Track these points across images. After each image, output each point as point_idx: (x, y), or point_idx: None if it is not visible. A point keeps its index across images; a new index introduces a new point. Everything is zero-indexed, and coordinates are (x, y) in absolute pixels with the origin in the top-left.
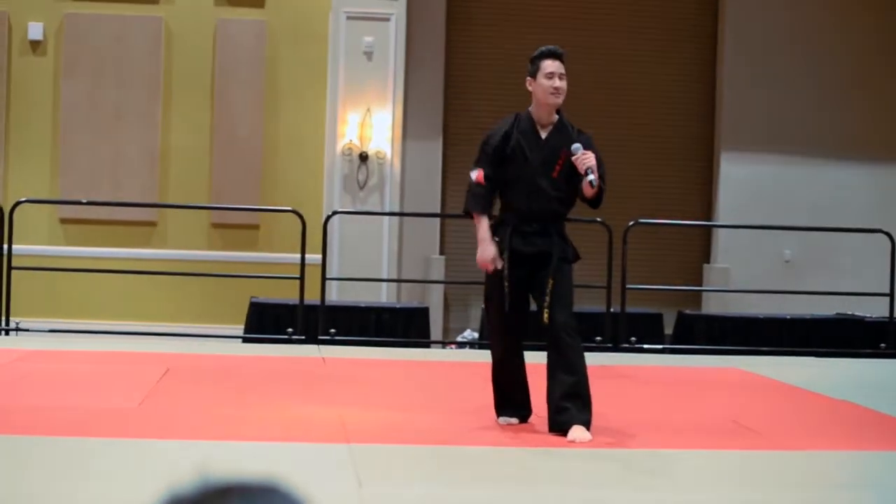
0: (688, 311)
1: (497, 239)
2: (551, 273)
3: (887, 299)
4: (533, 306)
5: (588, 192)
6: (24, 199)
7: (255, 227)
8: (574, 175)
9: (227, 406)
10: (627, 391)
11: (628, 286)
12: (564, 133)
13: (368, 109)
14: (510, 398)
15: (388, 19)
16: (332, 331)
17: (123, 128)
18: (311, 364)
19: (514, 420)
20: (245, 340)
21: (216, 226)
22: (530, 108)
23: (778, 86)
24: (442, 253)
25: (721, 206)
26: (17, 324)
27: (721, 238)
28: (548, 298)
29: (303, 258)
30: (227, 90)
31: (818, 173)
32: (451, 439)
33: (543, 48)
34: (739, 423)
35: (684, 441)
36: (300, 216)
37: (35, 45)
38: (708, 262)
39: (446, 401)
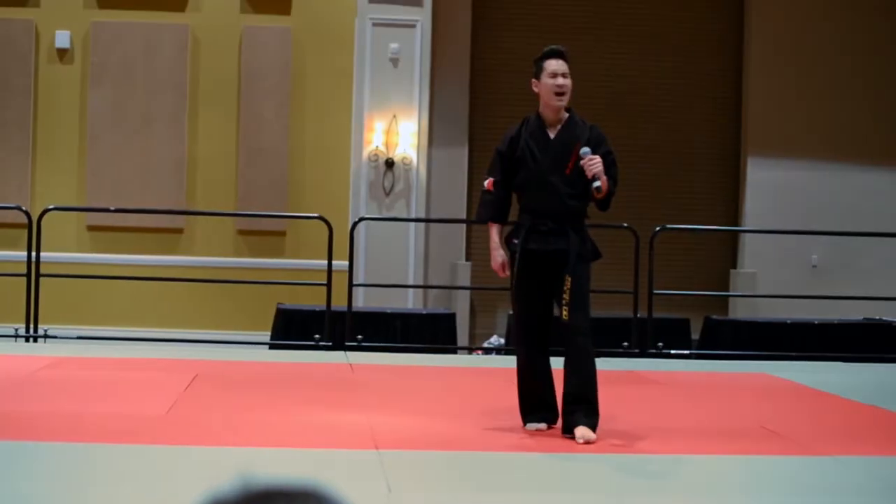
0: (715, 317)
1: (515, 241)
2: (568, 271)
3: None
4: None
5: (595, 193)
6: (51, 206)
7: (282, 233)
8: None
9: (255, 412)
10: (655, 397)
11: (655, 291)
12: (575, 129)
13: (394, 116)
14: (535, 403)
15: (413, 26)
16: (359, 337)
17: (150, 135)
18: (339, 370)
19: (542, 425)
20: (272, 347)
21: (243, 232)
22: (539, 110)
23: (804, 90)
24: (468, 259)
25: (748, 211)
26: (46, 331)
27: (748, 243)
28: (566, 297)
29: (329, 264)
30: (253, 97)
31: (845, 178)
32: (478, 445)
33: (546, 49)
34: (768, 428)
35: (712, 446)
36: (327, 223)
37: (62, 53)
38: (735, 267)
39: (474, 407)
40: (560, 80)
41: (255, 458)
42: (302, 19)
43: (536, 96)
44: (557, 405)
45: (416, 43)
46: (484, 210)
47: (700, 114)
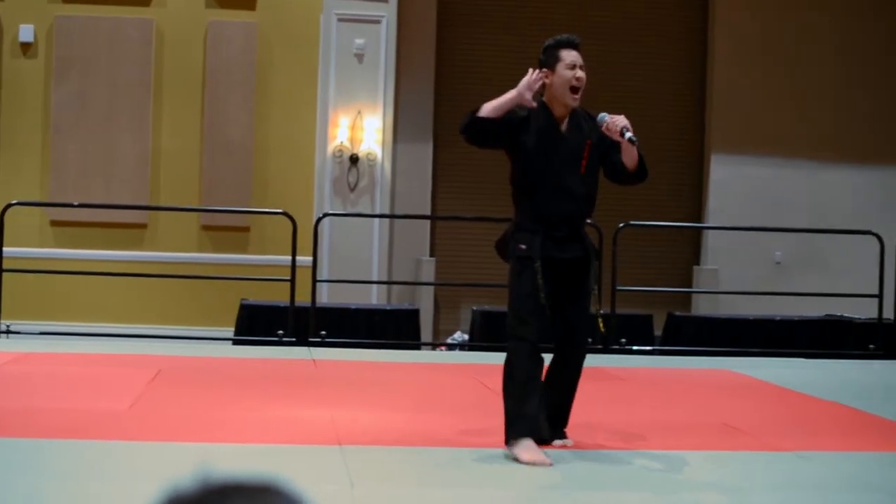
0: (678, 313)
1: (524, 247)
2: (594, 281)
3: (876, 301)
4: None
5: (631, 157)
6: (14, 201)
7: (246, 229)
8: (603, 163)
9: (218, 408)
10: (617, 393)
11: (618, 288)
12: (583, 122)
13: (359, 112)
14: (535, 416)
15: (378, 21)
16: (323, 333)
17: (114, 130)
18: (302, 366)
19: (540, 452)
20: (236, 342)
21: (207, 228)
22: (544, 100)
23: (768, 88)
24: (432, 255)
25: (711, 208)
26: (8, 326)
27: (711, 240)
28: (598, 308)
29: (293, 260)
30: (218, 92)
31: (807, 175)
32: (442, 440)
33: (560, 37)
34: (729, 424)
35: (674, 442)
36: (291, 218)
37: (26, 47)
38: (698, 263)
39: (437, 402)
40: (579, 73)
41: (216, 454)
42: (267, 14)
43: (540, 87)
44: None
45: (382, 39)
46: (471, 121)
47: (664, 111)
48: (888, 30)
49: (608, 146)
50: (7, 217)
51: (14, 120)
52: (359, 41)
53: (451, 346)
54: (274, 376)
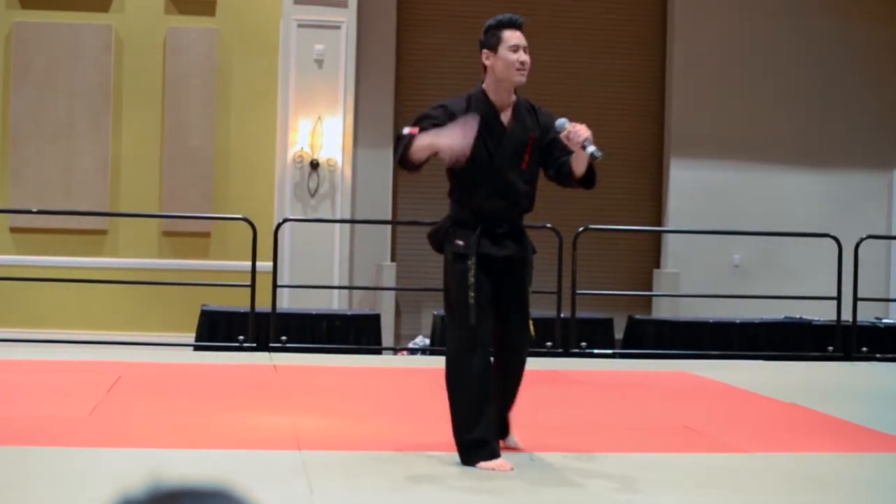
0: (638, 316)
1: (460, 243)
2: (529, 282)
3: (834, 303)
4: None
5: (582, 166)
6: None
7: (207, 235)
8: (544, 160)
9: (178, 414)
10: (578, 396)
11: (578, 291)
12: (526, 114)
13: (319, 117)
14: (490, 421)
15: (338, 27)
16: (284, 338)
17: (74, 136)
18: (263, 372)
19: (502, 462)
20: (196, 348)
21: (167, 234)
22: (484, 87)
23: (727, 93)
24: (393, 260)
25: (671, 211)
26: None
27: (671, 243)
28: (528, 309)
29: (254, 266)
30: (177, 98)
31: (767, 179)
32: (403, 446)
33: (503, 16)
34: (689, 427)
35: (634, 445)
36: (251, 224)
37: None
38: (658, 267)
39: (398, 407)
40: (523, 56)
41: (175, 460)
42: (227, 21)
43: (483, 70)
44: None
45: (341, 44)
46: (405, 146)
47: (623, 114)
48: (844, 36)
49: (551, 142)
50: None
51: None
52: (319, 47)
53: (412, 351)
54: (234, 382)
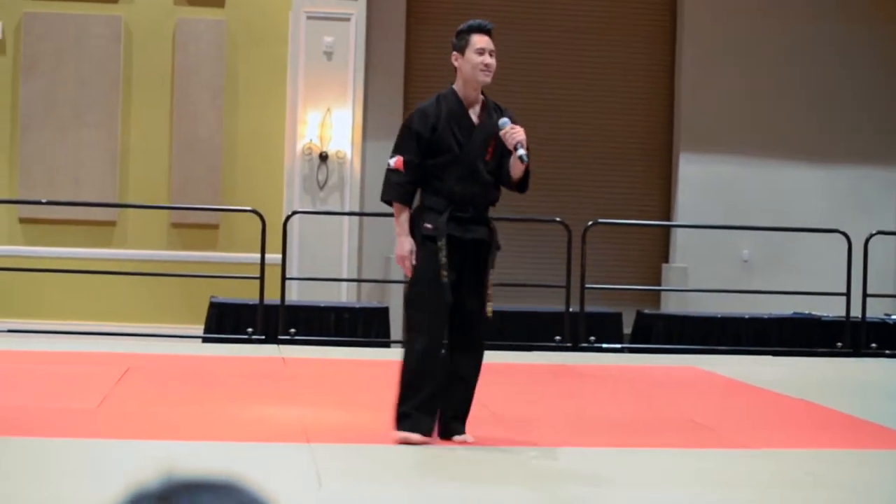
0: (647, 311)
1: (429, 226)
2: (491, 265)
3: (843, 299)
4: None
5: (517, 170)
6: None
7: (215, 226)
8: (505, 158)
9: (187, 406)
10: (586, 390)
11: (587, 286)
12: (493, 113)
13: (328, 109)
14: (428, 400)
15: (348, 19)
16: (292, 331)
17: (83, 127)
18: (272, 364)
19: (424, 438)
20: (205, 340)
21: (176, 225)
22: (454, 87)
23: (736, 87)
24: None
25: (680, 206)
26: None
27: (680, 238)
28: (490, 291)
29: (262, 258)
30: (186, 89)
31: (776, 174)
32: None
33: (472, 21)
34: (697, 422)
35: (641, 439)
36: (260, 216)
37: None
38: (667, 261)
39: None
40: (487, 59)
41: (184, 452)
42: (236, 12)
43: (454, 71)
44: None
45: (351, 36)
46: (392, 191)
47: (632, 108)
48: (852, 32)
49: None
50: None
51: None
52: (328, 39)
53: None
54: (243, 374)
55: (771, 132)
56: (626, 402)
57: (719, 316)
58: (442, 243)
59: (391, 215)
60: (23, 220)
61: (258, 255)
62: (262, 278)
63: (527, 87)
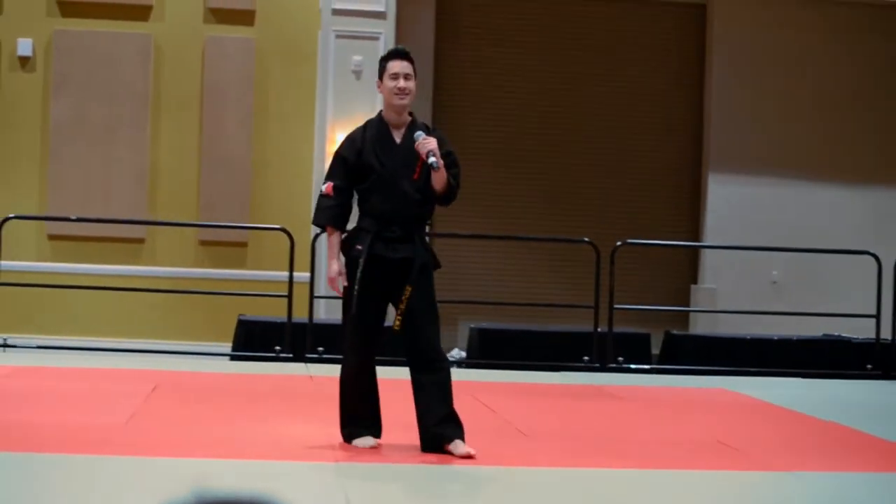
0: (675, 332)
1: (359, 247)
2: (410, 281)
3: (874, 321)
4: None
5: (438, 182)
6: (12, 215)
7: (244, 244)
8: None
9: (214, 423)
10: (614, 411)
11: (616, 306)
12: (422, 132)
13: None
14: (366, 416)
15: (377, 38)
16: (320, 349)
17: (112, 144)
18: (299, 382)
19: (374, 441)
20: (233, 358)
21: (204, 243)
22: (381, 112)
23: (765, 108)
24: None
25: (708, 227)
26: (5, 340)
27: (708, 259)
28: (402, 306)
29: (291, 276)
30: (216, 107)
31: (805, 195)
32: (438, 458)
33: (391, 49)
34: (725, 444)
35: (670, 461)
36: (289, 234)
37: (24, 61)
38: (695, 282)
39: None
40: (402, 83)
41: (212, 470)
42: (266, 30)
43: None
44: (381, 418)
45: (380, 55)
46: (322, 214)
47: (662, 129)
48: (886, 49)
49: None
50: (5, 230)
51: (12, 134)
52: (357, 58)
53: None
54: (271, 392)
55: (800, 153)
56: (655, 423)
57: (748, 337)
58: (363, 259)
59: None
60: (52, 237)
61: (286, 274)
62: (290, 296)
63: (556, 107)
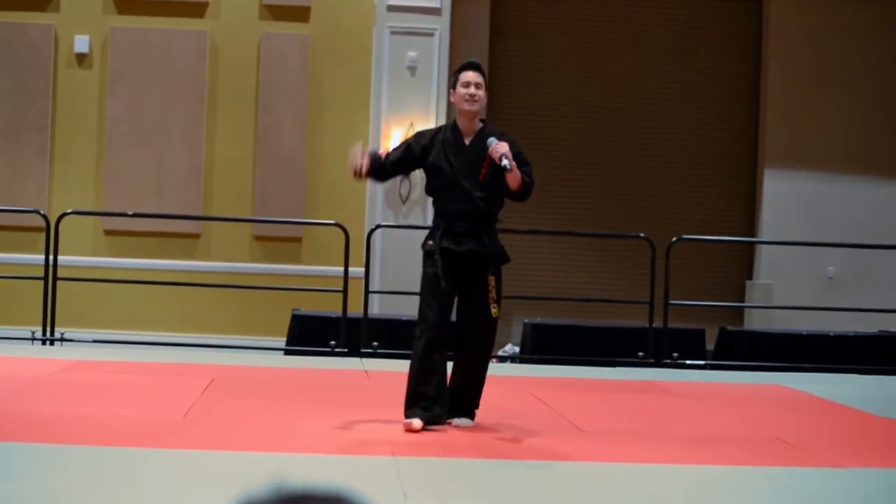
0: (730, 328)
1: (431, 243)
2: (491, 271)
3: None
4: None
5: (511, 182)
6: (69, 210)
7: (299, 239)
8: (502, 177)
9: (270, 417)
10: (669, 407)
11: (671, 302)
12: (490, 137)
13: (412, 124)
14: (422, 395)
15: (432, 34)
16: (375, 344)
17: (168, 140)
18: (355, 377)
19: (418, 423)
20: (287, 353)
21: (259, 238)
22: (455, 119)
23: (822, 102)
24: None
25: (764, 222)
26: (62, 334)
27: (764, 254)
28: (493, 294)
29: (346, 271)
30: (271, 103)
31: (861, 190)
32: (494, 453)
33: (464, 62)
34: (783, 440)
35: (727, 457)
36: (343, 229)
37: (81, 57)
38: (750, 278)
39: (489, 414)
40: (472, 90)
41: (270, 464)
42: (320, 27)
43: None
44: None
45: (434, 51)
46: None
47: (717, 124)
48: None
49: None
50: (62, 226)
51: (69, 130)
52: (412, 54)
53: (502, 359)
54: (326, 387)
55: (856, 148)
56: (711, 419)
57: (804, 333)
58: (437, 257)
59: None
60: (108, 232)
61: (341, 269)
62: (345, 291)
63: (612, 103)
